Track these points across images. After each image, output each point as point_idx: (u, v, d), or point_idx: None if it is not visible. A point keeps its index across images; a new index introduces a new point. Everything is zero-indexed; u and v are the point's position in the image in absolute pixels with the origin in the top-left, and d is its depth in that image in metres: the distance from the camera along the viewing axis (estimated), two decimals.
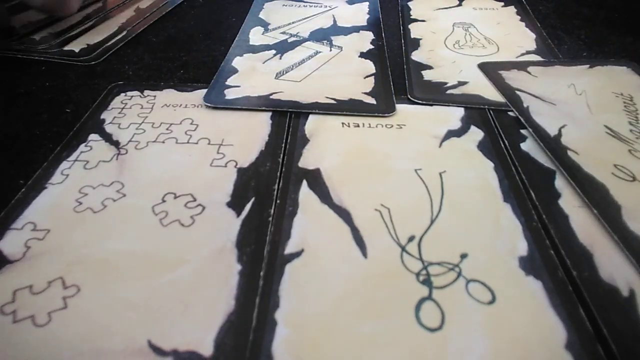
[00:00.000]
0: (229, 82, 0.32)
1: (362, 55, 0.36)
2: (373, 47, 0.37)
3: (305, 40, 0.38)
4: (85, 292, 0.18)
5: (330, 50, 0.36)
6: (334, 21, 0.42)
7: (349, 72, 0.33)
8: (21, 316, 0.17)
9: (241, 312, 0.17)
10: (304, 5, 0.45)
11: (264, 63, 0.34)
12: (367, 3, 0.46)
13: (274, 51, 0.36)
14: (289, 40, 0.38)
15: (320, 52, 0.36)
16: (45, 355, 0.16)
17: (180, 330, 0.17)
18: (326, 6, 0.45)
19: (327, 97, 0.30)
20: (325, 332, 0.17)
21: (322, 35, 0.39)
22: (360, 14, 0.43)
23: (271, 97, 0.30)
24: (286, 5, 0.45)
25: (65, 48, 0.36)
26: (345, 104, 0.29)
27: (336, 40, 0.38)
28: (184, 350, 0.16)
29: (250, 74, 0.33)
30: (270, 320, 0.17)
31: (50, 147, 0.26)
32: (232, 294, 0.18)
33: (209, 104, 0.29)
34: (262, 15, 0.43)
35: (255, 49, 0.36)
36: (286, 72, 0.33)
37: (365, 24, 0.41)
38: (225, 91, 0.31)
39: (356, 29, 0.40)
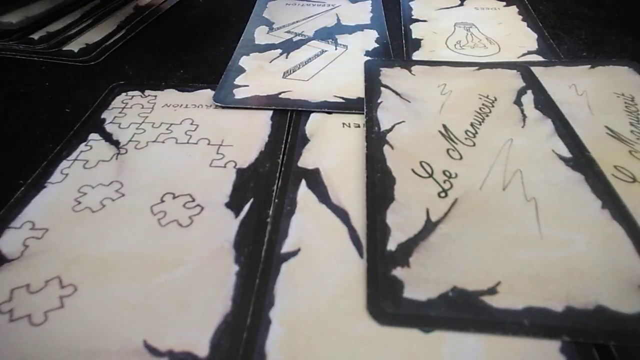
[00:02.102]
0: (237, 81, 0.32)
1: (368, 53, 0.36)
2: (378, 45, 0.37)
3: (310, 39, 0.38)
4: (82, 292, 0.18)
5: (336, 49, 0.36)
6: (338, 20, 0.42)
7: (356, 70, 0.33)
8: (18, 315, 0.17)
9: (238, 313, 0.17)
10: (307, 4, 0.45)
11: (270, 62, 0.34)
12: (370, 2, 0.46)
13: (279, 50, 0.36)
14: (294, 40, 0.38)
15: (325, 50, 0.36)
16: (41, 354, 0.16)
17: (176, 331, 0.17)
18: (329, 5, 0.45)
19: (336, 96, 0.30)
20: (319, 331, 0.17)
21: (327, 34, 0.39)
22: (363, 13, 0.43)
23: (280, 96, 0.30)
24: (289, 4, 0.45)
25: (64, 48, 0.36)
26: (354, 103, 0.29)
27: (341, 39, 0.38)
28: (180, 351, 0.16)
29: (257, 73, 0.33)
30: (265, 318, 0.17)
31: (50, 146, 0.26)
32: (229, 295, 0.18)
33: (219, 104, 0.29)
34: (266, 14, 0.43)
35: (261, 49, 0.37)
36: (293, 71, 0.33)
37: (369, 22, 0.41)
38: (234, 90, 0.31)
39: (360, 28, 0.40)
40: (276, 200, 0.22)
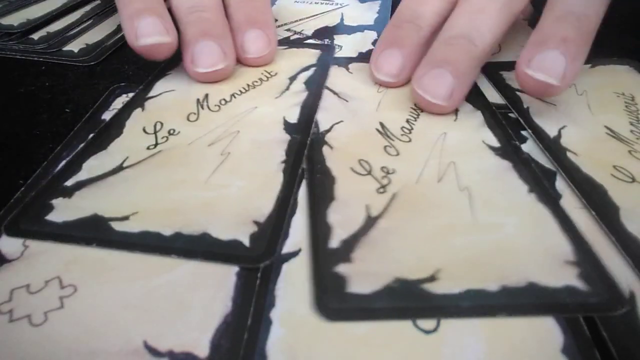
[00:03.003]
0: None
1: (360, 54, 0.36)
2: (373, 47, 0.37)
3: (307, 37, 0.38)
4: (82, 292, 0.18)
5: None
6: (341, 19, 0.42)
7: None
8: (17, 315, 0.17)
9: (238, 314, 0.17)
10: (315, 3, 0.45)
11: None
12: (379, 2, 0.45)
13: None
14: (291, 38, 0.38)
15: None
16: (41, 355, 0.16)
17: (176, 331, 0.17)
18: (337, 4, 0.45)
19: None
20: (320, 332, 0.17)
21: (325, 34, 0.39)
22: (369, 13, 0.43)
23: None
24: (298, 2, 0.45)
25: (64, 48, 0.36)
26: None
27: (338, 39, 0.38)
28: (180, 352, 0.16)
29: None
30: (266, 319, 0.17)
31: (50, 147, 0.26)
32: (229, 295, 0.18)
33: None
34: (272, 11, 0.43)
35: None
36: None
37: (372, 23, 0.41)
38: None
39: (361, 29, 0.40)
40: None
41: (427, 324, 0.17)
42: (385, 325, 0.17)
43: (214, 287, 0.18)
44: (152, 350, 0.16)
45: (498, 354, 0.16)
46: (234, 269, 0.19)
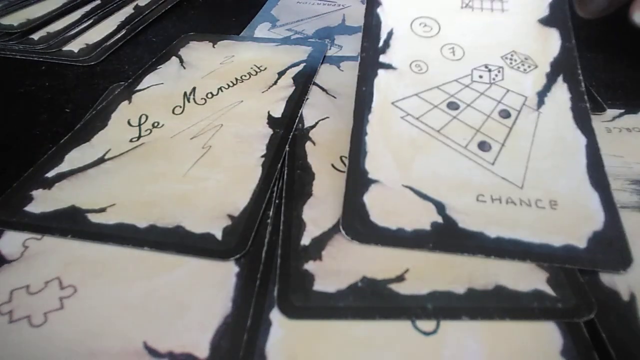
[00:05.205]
0: None
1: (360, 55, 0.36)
2: None
3: (308, 37, 0.38)
4: (82, 293, 0.18)
5: (330, 48, 0.36)
6: (343, 20, 0.42)
7: None
8: (17, 316, 0.17)
9: (238, 315, 0.17)
10: (317, 3, 0.45)
11: None
12: None
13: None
14: (292, 37, 0.38)
15: None
16: (41, 355, 0.16)
17: (176, 332, 0.17)
18: (339, 5, 0.45)
19: None
20: (319, 333, 0.17)
21: (326, 34, 0.39)
22: None
23: None
24: (300, 3, 0.45)
25: (64, 48, 0.36)
26: None
27: (339, 39, 0.38)
28: (180, 353, 0.16)
29: None
30: (265, 320, 0.17)
31: (50, 147, 0.26)
32: (229, 296, 0.18)
33: None
34: (273, 11, 0.43)
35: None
36: None
37: None
38: None
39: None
40: (276, 201, 0.22)
41: (427, 325, 0.17)
42: (385, 326, 0.17)
43: (214, 287, 0.18)
44: (152, 351, 0.16)
45: (498, 355, 0.16)
46: (234, 269, 0.19)
